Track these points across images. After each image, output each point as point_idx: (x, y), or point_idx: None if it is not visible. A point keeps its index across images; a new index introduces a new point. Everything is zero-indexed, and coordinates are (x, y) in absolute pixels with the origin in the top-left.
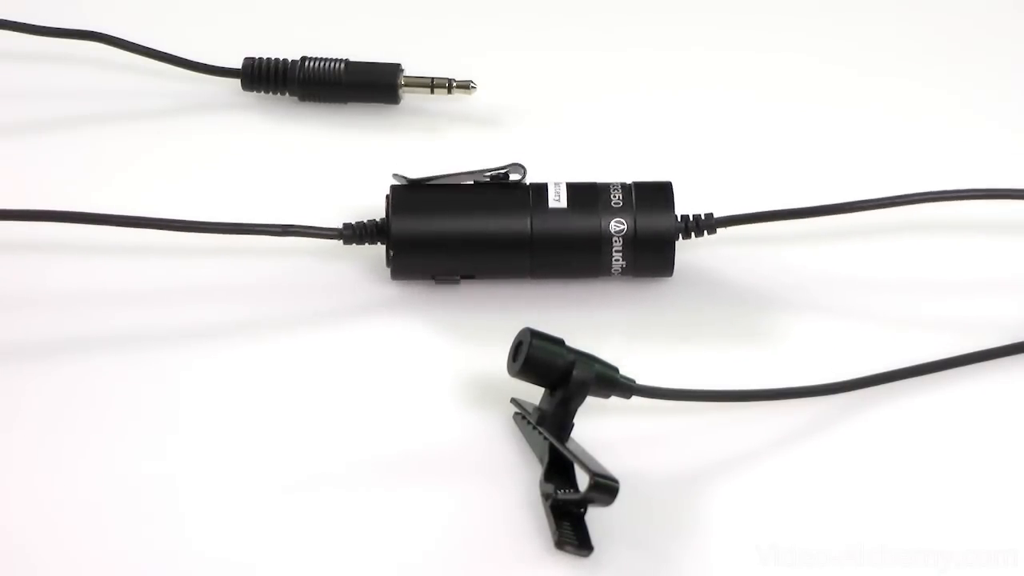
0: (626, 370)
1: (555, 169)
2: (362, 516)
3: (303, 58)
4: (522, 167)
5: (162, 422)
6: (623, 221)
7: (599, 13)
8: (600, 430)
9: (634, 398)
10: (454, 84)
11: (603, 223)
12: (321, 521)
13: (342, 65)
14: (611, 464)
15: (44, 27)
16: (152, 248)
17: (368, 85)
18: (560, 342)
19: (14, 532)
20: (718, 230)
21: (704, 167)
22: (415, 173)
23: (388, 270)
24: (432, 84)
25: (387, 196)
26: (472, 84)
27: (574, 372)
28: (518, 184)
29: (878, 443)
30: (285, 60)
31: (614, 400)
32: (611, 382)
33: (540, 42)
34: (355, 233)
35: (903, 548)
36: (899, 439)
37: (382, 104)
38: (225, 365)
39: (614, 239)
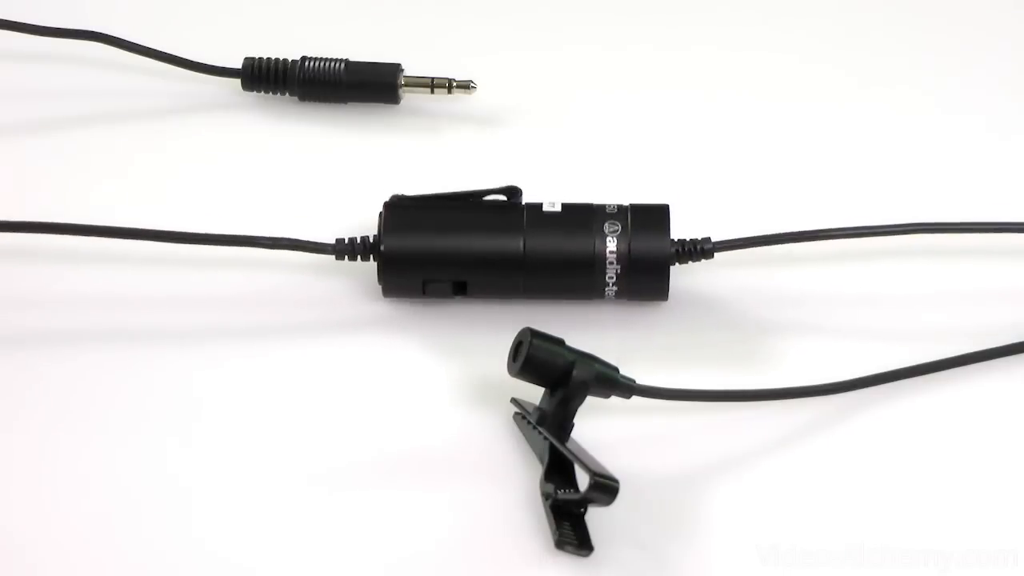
0: None
1: (555, 169)
2: (362, 517)
3: (303, 58)
4: (519, 189)
5: (156, 429)
6: (618, 244)
7: (600, 13)
8: (600, 430)
9: (634, 398)
10: (454, 84)
11: (597, 245)
12: (321, 522)
13: (342, 65)
14: (611, 464)
15: (44, 27)
16: (141, 258)
17: (368, 85)
18: (560, 342)
19: (15, 533)
20: (715, 255)
21: (704, 168)
22: (414, 179)
23: (380, 287)
24: (432, 84)
25: (380, 213)
26: (472, 84)
27: (574, 372)
28: (513, 203)
29: (878, 443)
30: (285, 60)
31: (614, 400)
32: (611, 382)
33: (540, 42)
34: (347, 248)
35: (903, 548)
36: (899, 439)
37: (382, 104)
38: (220, 370)
39: (608, 262)
